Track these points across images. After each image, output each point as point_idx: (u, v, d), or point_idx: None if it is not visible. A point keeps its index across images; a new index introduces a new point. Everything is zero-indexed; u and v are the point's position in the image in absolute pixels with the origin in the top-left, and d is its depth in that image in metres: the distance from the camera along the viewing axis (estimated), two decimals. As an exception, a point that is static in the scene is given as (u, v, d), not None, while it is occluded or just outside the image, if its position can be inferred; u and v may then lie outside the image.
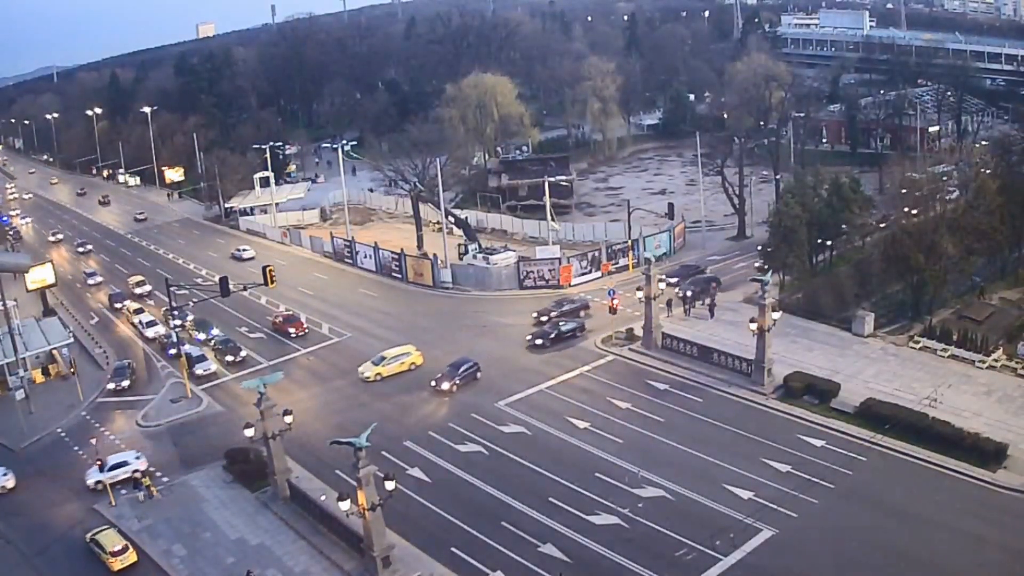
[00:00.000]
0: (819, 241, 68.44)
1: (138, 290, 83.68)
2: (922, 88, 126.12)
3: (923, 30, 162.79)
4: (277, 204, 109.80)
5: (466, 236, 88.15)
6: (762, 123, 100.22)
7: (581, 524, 41.60)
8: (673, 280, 70.21)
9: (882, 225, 71.66)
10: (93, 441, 52.11)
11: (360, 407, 55.87)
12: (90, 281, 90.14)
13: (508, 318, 69.67)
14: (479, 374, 58.30)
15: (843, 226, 69.21)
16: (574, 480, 45.21)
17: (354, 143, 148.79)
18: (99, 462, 48.00)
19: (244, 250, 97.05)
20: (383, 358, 60.51)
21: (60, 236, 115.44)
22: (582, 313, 68.40)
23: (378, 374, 59.32)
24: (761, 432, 48.31)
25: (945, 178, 64.42)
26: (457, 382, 56.84)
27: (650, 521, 41.41)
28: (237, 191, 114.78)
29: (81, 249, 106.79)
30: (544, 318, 67.37)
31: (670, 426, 50.09)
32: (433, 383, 56.94)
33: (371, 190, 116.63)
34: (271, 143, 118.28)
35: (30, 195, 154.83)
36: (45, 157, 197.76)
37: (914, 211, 61.04)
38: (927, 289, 60.07)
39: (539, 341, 63.14)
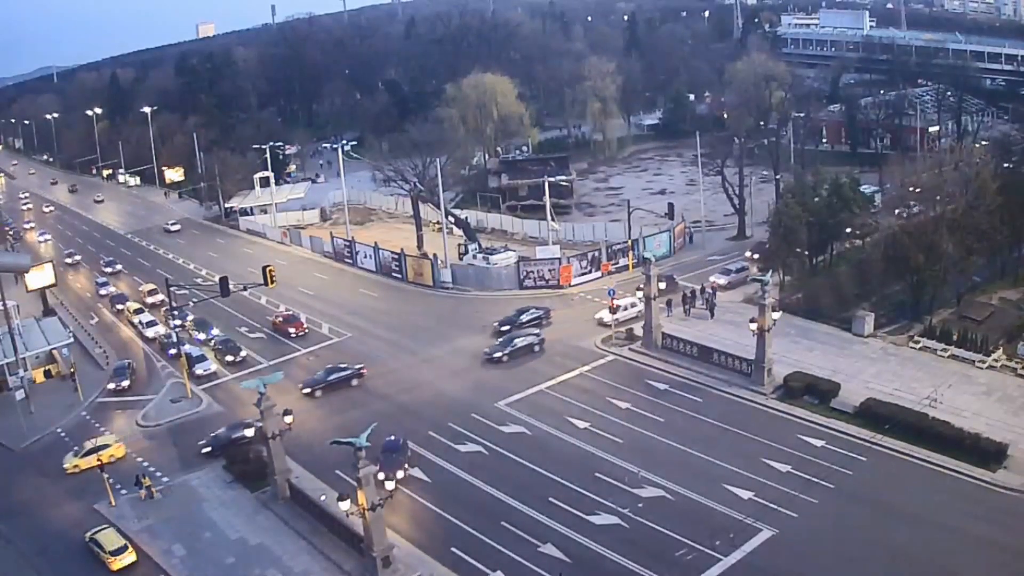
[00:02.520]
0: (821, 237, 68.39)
1: (150, 299, 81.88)
2: (922, 88, 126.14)
3: (923, 30, 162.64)
4: (277, 204, 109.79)
5: (466, 236, 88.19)
6: (762, 123, 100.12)
7: (581, 524, 41.60)
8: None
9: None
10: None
11: (360, 407, 55.86)
12: (101, 292, 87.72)
13: (508, 318, 69.60)
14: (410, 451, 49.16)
15: (846, 228, 69.10)
16: (574, 480, 45.21)
17: (354, 143, 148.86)
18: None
19: (173, 224, 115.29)
20: (82, 448, 51.97)
21: (78, 258, 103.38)
22: (354, 382, 58.96)
23: (76, 466, 50.72)
24: (761, 432, 48.31)
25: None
26: (406, 467, 47.03)
27: (650, 521, 41.41)
28: (237, 191, 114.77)
29: (109, 269, 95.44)
30: (308, 389, 58.17)
31: (670, 426, 50.09)
32: (380, 474, 43.55)
33: (351, 187, 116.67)
34: (271, 143, 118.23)
35: (51, 207, 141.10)
36: (45, 157, 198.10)
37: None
38: (927, 289, 60.07)
39: (207, 449, 50.89)
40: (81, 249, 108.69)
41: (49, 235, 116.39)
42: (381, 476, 43.94)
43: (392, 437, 48.63)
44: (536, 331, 64.00)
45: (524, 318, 66.87)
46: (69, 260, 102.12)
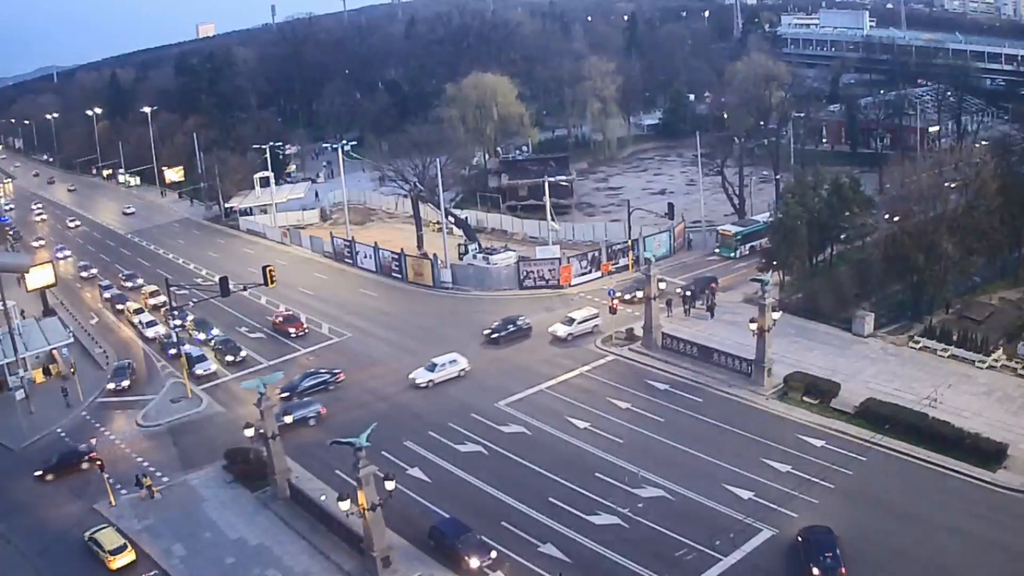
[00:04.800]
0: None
1: (152, 300, 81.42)
2: (922, 88, 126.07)
3: (923, 30, 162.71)
4: (277, 204, 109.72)
5: (466, 236, 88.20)
6: (762, 123, 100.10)
7: (581, 524, 41.63)
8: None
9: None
10: (92, 441, 52.08)
11: (361, 407, 55.82)
12: (106, 295, 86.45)
13: (508, 318, 69.53)
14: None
15: (844, 227, 69.02)
16: (574, 480, 45.23)
17: (354, 143, 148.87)
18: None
19: (128, 208, 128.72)
20: None
21: (94, 271, 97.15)
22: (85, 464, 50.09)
23: None
24: (761, 432, 48.32)
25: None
26: (488, 552, 39.84)
27: (650, 521, 41.45)
28: (237, 191, 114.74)
29: (129, 284, 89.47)
30: (40, 474, 50.17)
31: (670, 426, 50.10)
32: (475, 560, 38.86)
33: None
34: (271, 143, 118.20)
35: (76, 222, 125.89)
36: (45, 157, 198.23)
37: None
38: (927, 289, 60.07)
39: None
40: (94, 259, 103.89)
41: (69, 251, 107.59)
42: (476, 563, 38.71)
43: (445, 525, 41.47)
44: (313, 402, 55.41)
45: (306, 383, 58.12)
46: (84, 274, 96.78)
